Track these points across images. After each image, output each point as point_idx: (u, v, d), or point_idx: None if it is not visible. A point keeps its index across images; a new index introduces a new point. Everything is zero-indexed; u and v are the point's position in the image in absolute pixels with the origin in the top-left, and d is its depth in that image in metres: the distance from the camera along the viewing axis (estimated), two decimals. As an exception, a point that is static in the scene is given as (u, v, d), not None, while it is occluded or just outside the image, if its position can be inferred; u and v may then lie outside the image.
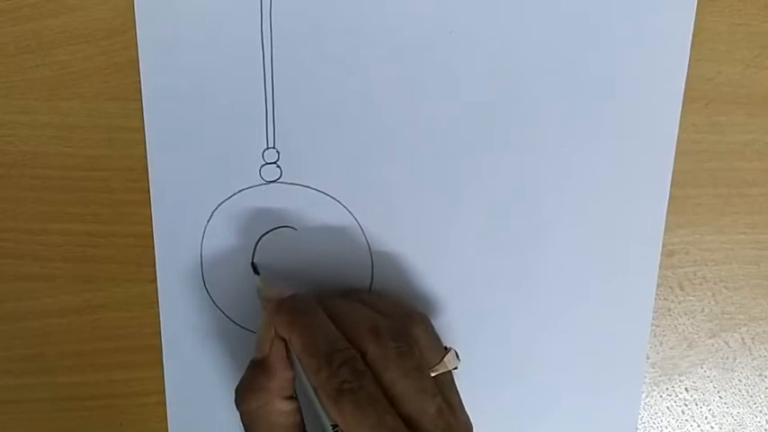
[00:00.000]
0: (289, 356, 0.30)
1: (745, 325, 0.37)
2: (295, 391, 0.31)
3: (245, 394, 0.30)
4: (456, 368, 0.31)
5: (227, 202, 0.34)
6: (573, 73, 0.33)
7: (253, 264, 0.34)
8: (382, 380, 0.28)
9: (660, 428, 0.39)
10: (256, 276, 0.33)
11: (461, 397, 0.31)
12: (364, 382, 0.28)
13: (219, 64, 0.32)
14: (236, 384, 0.32)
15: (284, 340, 0.30)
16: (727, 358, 0.38)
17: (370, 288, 0.35)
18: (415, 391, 0.28)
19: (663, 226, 0.35)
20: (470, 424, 0.31)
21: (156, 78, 0.32)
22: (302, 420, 0.31)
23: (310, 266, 0.35)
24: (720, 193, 0.35)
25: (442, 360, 0.30)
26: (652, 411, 0.38)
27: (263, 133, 0.33)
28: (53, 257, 0.35)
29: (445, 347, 0.31)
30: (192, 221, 0.34)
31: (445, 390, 0.30)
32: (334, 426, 0.28)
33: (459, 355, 0.31)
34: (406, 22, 0.32)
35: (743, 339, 0.38)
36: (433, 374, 0.30)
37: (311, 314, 0.30)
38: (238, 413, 0.31)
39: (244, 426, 0.31)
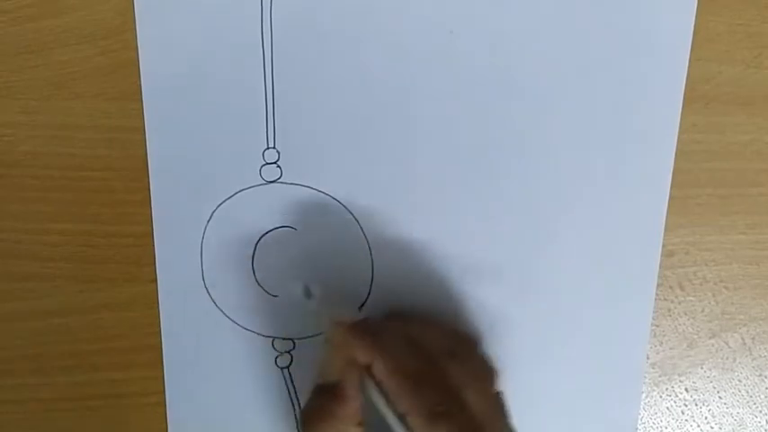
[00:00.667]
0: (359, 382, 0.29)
1: (745, 325, 0.37)
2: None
3: (314, 423, 0.29)
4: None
5: (227, 202, 0.34)
6: (573, 73, 0.33)
7: (306, 287, 0.33)
8: (462, 399, 0.28)
9: (660, 428, 0.39)
10: (311, 301, 0.33)
11: None
12: (453, 403, 0.27)
13: (220, 64, 0.32)
14: (235, 384, 0.32)
15: (355, 365, 0.29)
16: (727, 358, 0.38)
17: (371, 289, 0.35)
18: (490, 409, 0.28)
19: (663, 226, 0.35)
20: None
21: (156, 78, 0.32)
22: None
23: (310, 266, 0.35)
24: (720, 193, 0.35)
25: (497, 380, 0.31)
26: (652, 411, 0.38)
27: (264, 133, 0.33)
28: (53, 257, 0.35)
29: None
30: (192, 221, 0.34)
31: (505, 405, 0.30)
32: None
33: None
34: (406, 22, 0.32)
35: (743, 339, 0.38)
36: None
37: (390, 337, 0.29)
38: None
39: None
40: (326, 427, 0.29)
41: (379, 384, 0.28)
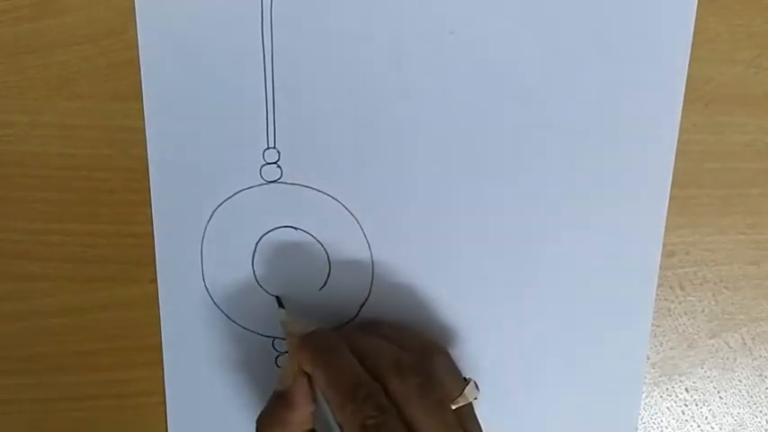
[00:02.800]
0: (312, 391, 0.30)
1: (745, 325, 0.37)
2: (314, 426, 0.31)
3: (265, 427, 0.31)
4: (476, 398, 0.31)
5: (227, 202, 0.34)
6: (573, 73, 0.33)
7: (277, 297, 0.34)
8: (405, 415, 0.28)
9: (660, 428, 0.39)
10: (281, 310, 0.34)
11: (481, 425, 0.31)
12: (388, 417, 0.28)
13: (220, 64, 0.32)
14: (235, 385, 0.32)
15: (307, 375, 0.30)
16: (727, 358, 0.38)
17: (371, 289, 0.35)
18: (437, 427, 0.28)
19: (663, 226, 0.35)
20: None
21: (156, 78, 0.32)
22: None
23: (310, 266, 0.35)
24: (720, 194, 0.35)
25: (462, 392, 0.30)
26: (652, 411, 0.38)
27: (264, 133, 0.33)
28: (53, 257, 0.35)
29: (464, 378, 0.32)
30: (192, 221, 0.34)
31: (465, 422, 0.30)
32: None
33: (478, 384, 0.31)
34: (406, 22, 0.32)
35: (743, 339, 0.38)
36: (453, 407, 0.30)
37: (335, 350, 0.30)
38: None
39: None
40: (276, 431, 0.31)
41: (323, 395, 0.30)
